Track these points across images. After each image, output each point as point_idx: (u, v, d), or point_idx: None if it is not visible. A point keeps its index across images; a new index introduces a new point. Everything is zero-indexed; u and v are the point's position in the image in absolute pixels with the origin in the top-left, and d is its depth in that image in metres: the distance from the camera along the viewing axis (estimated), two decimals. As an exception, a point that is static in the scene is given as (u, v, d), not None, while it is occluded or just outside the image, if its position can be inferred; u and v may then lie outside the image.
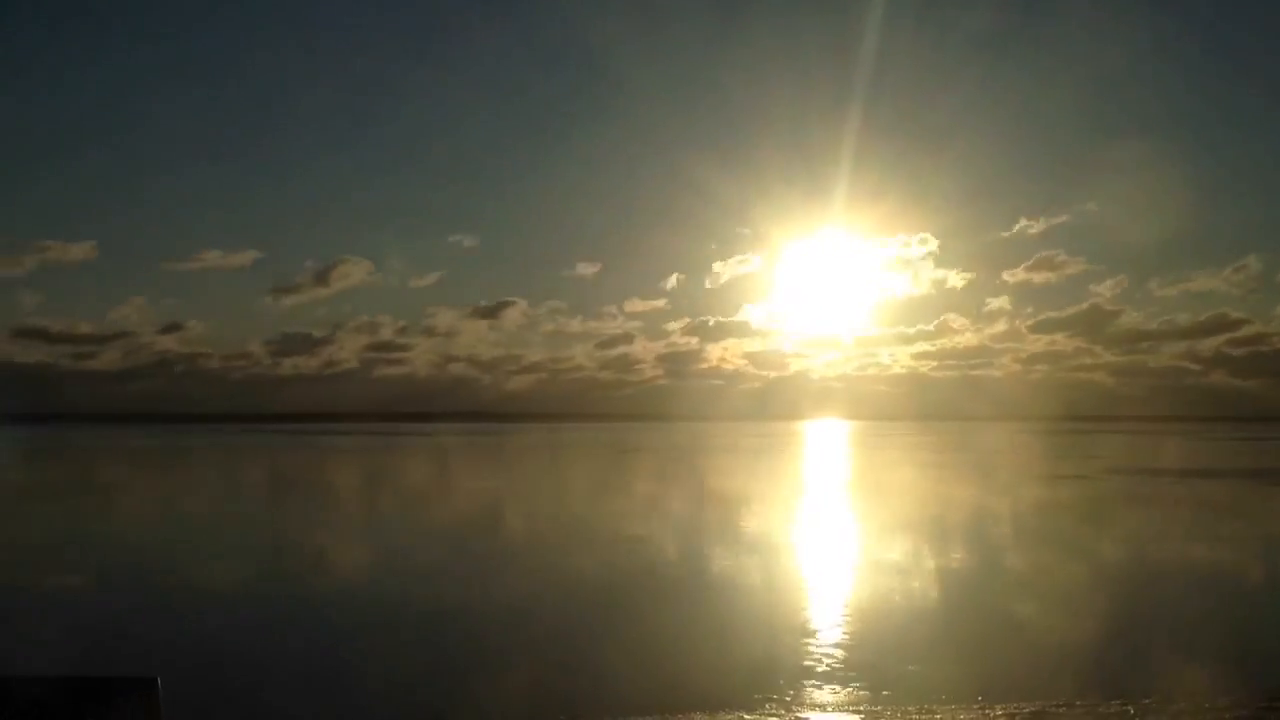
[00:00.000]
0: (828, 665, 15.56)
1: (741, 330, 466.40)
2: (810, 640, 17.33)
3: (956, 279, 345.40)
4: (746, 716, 12.97)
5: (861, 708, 13.42)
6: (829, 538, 33.91)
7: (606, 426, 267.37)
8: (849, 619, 19.28)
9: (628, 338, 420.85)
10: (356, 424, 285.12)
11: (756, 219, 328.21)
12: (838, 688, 14.31)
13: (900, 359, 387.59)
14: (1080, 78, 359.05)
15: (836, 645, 16.91)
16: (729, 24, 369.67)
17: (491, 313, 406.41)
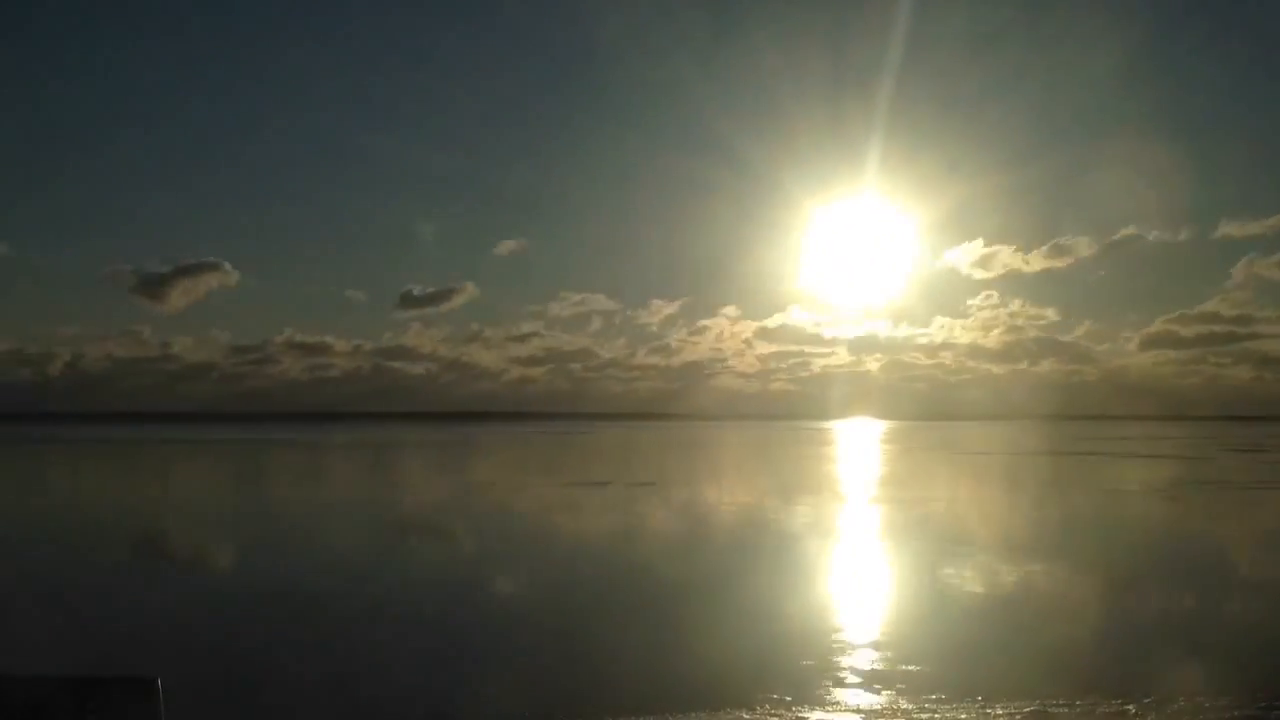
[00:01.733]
0: (828, 664, 15.57)
1: (772, 325, 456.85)
2: (813, 639, 17.35)
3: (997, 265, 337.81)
4: (746, 716, 12.98)
5: (862, 706, 13.43)
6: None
7: (637, 425, 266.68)
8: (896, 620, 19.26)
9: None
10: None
11: (792, 193, 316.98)
12: (837, 686, 14.32)
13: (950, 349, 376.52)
14: (1117, 49, 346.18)
15: (839, 644, 16.92)
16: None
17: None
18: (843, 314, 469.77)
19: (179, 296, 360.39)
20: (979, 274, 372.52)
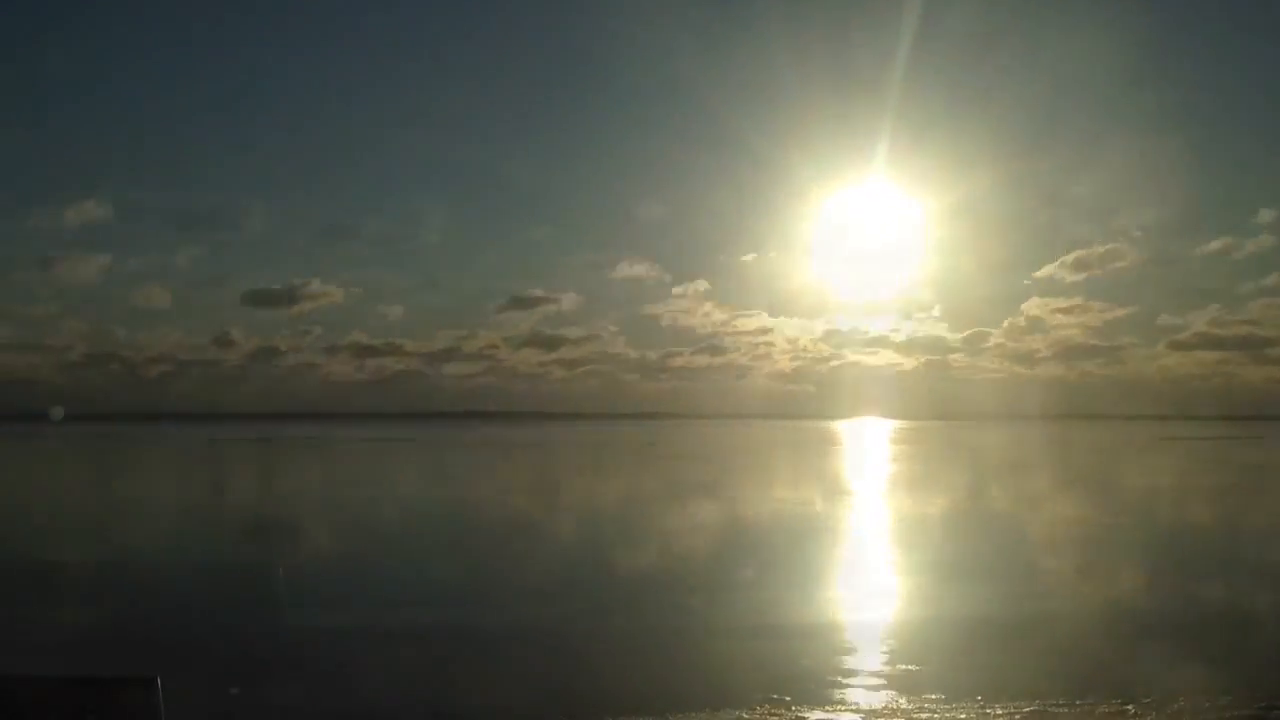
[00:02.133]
0: (828, 664, 15.57)
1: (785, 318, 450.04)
2: (813, 639, 17.36)
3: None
4: (746, 716, 12.98)
5: (862, 706, 13.43)
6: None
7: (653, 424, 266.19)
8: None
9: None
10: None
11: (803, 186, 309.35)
12: (837, 686, 14.32)
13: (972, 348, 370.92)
14: (1129, 39, 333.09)
15: (839, 644, 16.93)
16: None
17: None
18: (874, 315, 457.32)
19: (290, 304, 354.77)
20: (1018, 274, 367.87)
